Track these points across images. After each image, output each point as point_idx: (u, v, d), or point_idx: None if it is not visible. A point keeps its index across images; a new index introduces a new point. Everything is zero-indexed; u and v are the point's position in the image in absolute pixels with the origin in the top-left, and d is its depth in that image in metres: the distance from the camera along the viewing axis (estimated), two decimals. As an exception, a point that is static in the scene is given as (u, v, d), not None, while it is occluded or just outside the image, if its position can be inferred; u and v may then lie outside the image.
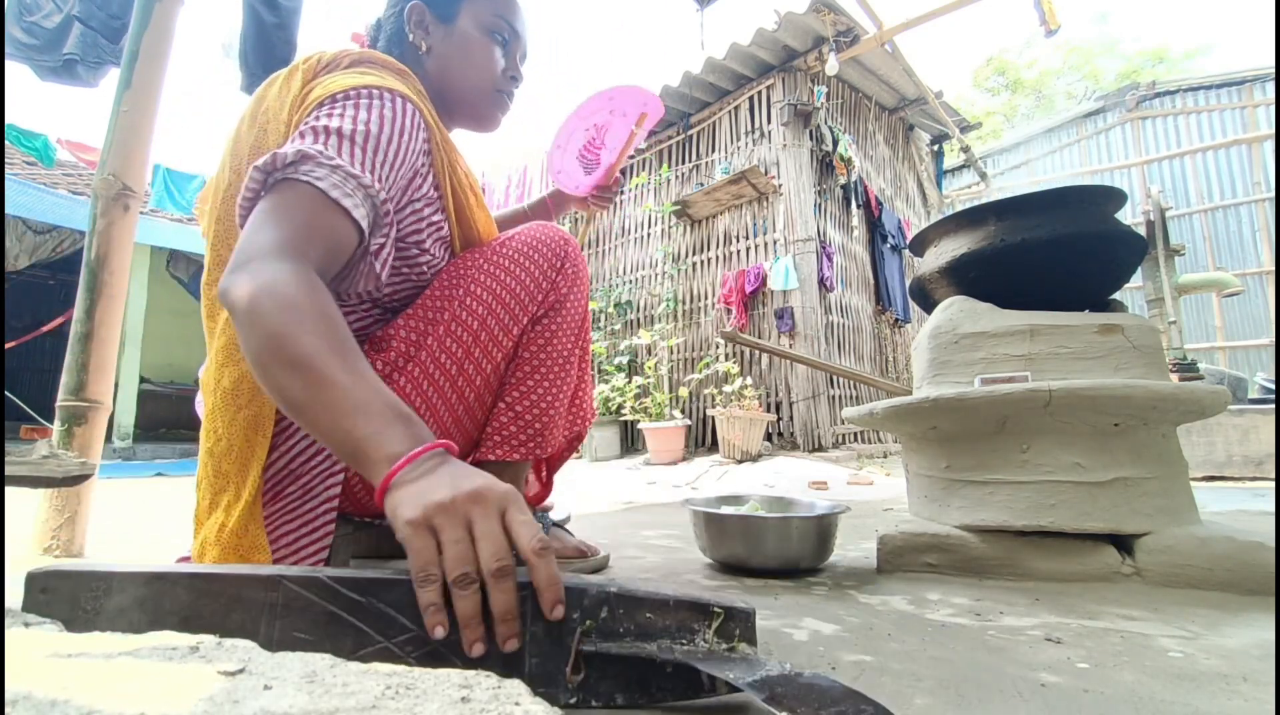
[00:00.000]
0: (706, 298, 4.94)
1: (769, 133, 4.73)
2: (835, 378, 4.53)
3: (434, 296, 0.83)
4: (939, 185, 7.21)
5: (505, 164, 6.64)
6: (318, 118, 0.68)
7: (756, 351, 4.31)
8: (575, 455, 1.25)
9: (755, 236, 4.70)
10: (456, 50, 0.91)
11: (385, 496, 0.49)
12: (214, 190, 0.77)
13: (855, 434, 4.65)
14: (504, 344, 0.90)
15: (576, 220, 5.99)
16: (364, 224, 0.65)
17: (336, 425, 0.51)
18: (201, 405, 0.77)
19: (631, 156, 5.68)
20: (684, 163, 5.41)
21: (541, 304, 0.93)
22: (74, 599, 0.49)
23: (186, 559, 0.72)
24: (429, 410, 0.87)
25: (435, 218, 0.83)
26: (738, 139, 4.99)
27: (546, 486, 1.22)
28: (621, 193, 5.81)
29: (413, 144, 0.74)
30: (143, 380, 6.51)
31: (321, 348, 0.52)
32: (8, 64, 2.16)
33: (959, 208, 7.46)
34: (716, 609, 0.51)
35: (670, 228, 5.33)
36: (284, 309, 0.53)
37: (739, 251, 4.81)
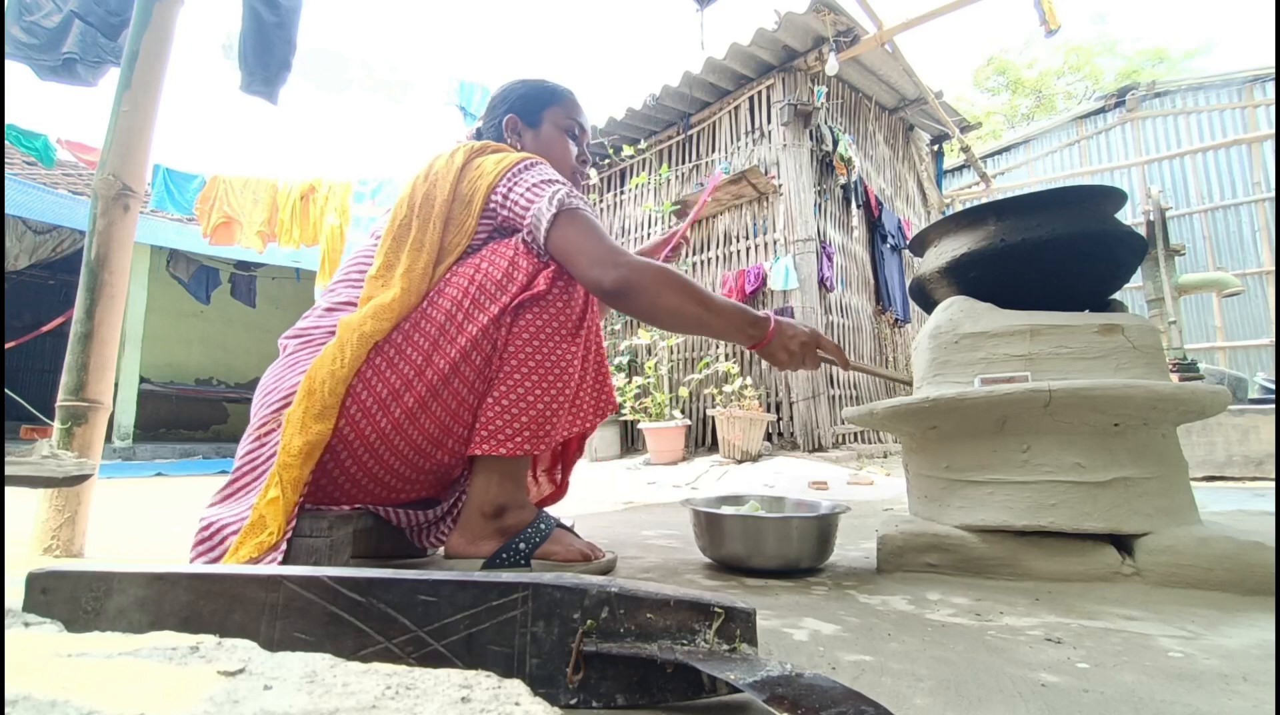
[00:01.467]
0: (706, 298, 4.93)
1: (769, 133, 4.72)
2: (835, 378, 4.53)
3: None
4: (939, 185, 7.20)
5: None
6: (530, 174, 0.97)
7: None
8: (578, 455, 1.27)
9: (755, 236, 4.70)
10: (543, 148, 1.15)
11: (771, 339, 0.98)
12: (393, 219, 1.00)
13: (855, 434, 4.65)
14: (467, 329, 0.93)
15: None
16: None
17: (733, 318, 0.95)
18: (286, 369, 0.98)
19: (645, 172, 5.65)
20: (684, 163, 5.41)
21: (514, 295, 0.94)
22: (74, 599, 0.49)
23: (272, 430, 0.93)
24: (390, 390, 0.92)
25: None
26: (738, 139, 4.99)
27: (561, 488, 1.24)
28: (622, 191, 5.83)
29: None
30: (143, 380, 6.51)
31: (698, 290, 0.93)
32: (8, 64, 2.15)
33: (959, 208, 7.47)
34: (717, 609, 0.51)
35: (670, 228, 5.32)
36: (667, 276, 0.91)
37: (739, 251, 4.81)
